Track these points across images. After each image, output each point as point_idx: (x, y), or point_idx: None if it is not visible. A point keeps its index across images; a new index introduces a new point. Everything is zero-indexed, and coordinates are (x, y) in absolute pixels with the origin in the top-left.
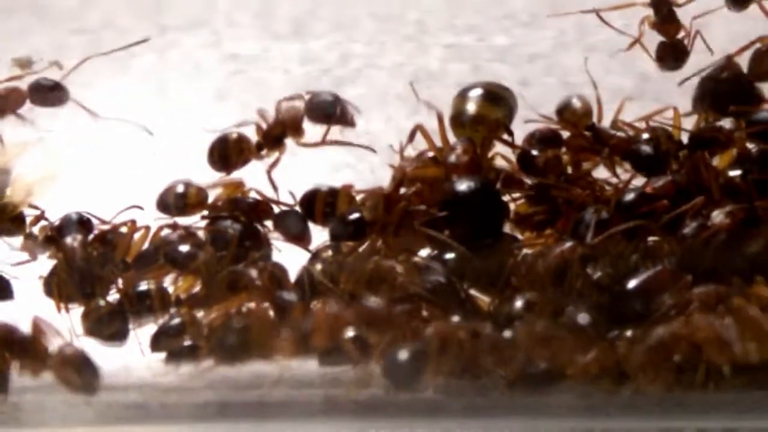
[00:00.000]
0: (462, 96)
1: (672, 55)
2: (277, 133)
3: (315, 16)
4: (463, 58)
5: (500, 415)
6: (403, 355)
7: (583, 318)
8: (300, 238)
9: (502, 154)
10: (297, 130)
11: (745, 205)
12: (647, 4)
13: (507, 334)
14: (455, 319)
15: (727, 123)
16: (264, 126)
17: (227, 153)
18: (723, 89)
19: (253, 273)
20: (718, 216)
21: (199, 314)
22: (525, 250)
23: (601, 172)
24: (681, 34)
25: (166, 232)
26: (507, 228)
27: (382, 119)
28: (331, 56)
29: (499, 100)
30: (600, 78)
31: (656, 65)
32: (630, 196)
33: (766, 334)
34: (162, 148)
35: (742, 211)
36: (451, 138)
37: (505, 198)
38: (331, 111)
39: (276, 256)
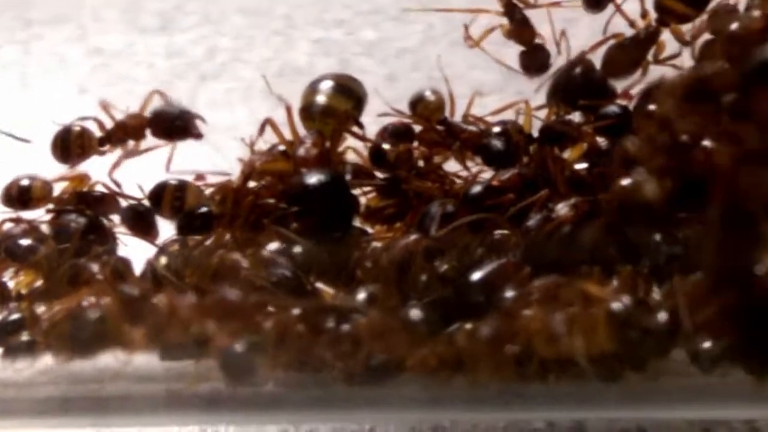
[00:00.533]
0: (312, 88)
1: (534, 61)
2: (120, 136)
3: (183, 11)
4: (331, 52)
5: (343, 407)
6: (239, 348)
7: (415, 314)
8: (147, 232)
9: (353, 148)
10: (138, 137)
11: (589, 197)
12: (500, 12)
13: (345, 327)
14: (295, 311)
15: (577, 117)
16: (108, 123)
17: (68, 146)
18: (575, 84)
19: (95, 267)
20: (562, 208)
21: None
22: (374, 244)
23: (456, 167)
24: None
25: (8, 225)
26: (358, 222)
27: (246, 113)
28: (197, 50)
29: (348, 92)
30: (464, 72)
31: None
32: (476, 189)
33: (592, 328)
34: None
35: (586, 203)
36: (303, 131)
37: (356, 191)
38: (173, 126)
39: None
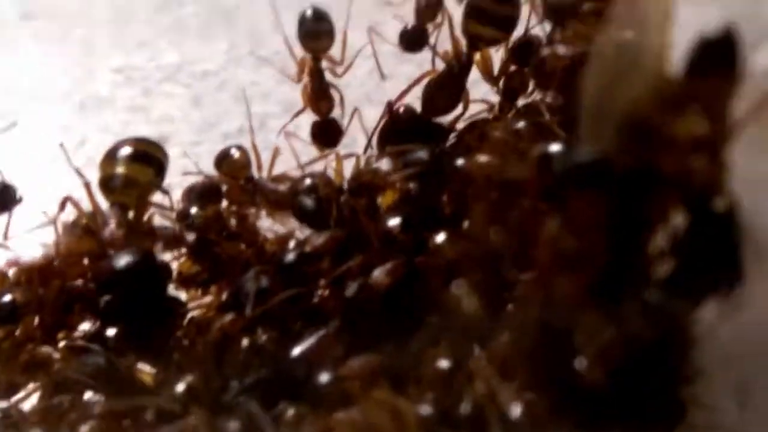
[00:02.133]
0: (109, 158)
1: (324, 134)
2: None
3: None
4: (134, 80)
5: None
6: None
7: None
8: None
9: (162, 212)
10: None
11: (404, 260)
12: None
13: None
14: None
15: (384, 164)
16: None
17: None
18: (401, 130)
19: None
20: (378, 275)
21: None
22: (191, 314)
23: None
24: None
25: None
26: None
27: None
28: None
29: (148, 159)
30: (272, 89)
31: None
32: (290, 257)
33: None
34: None
35: (401, 267)
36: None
37: (168, 257)
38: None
39: None
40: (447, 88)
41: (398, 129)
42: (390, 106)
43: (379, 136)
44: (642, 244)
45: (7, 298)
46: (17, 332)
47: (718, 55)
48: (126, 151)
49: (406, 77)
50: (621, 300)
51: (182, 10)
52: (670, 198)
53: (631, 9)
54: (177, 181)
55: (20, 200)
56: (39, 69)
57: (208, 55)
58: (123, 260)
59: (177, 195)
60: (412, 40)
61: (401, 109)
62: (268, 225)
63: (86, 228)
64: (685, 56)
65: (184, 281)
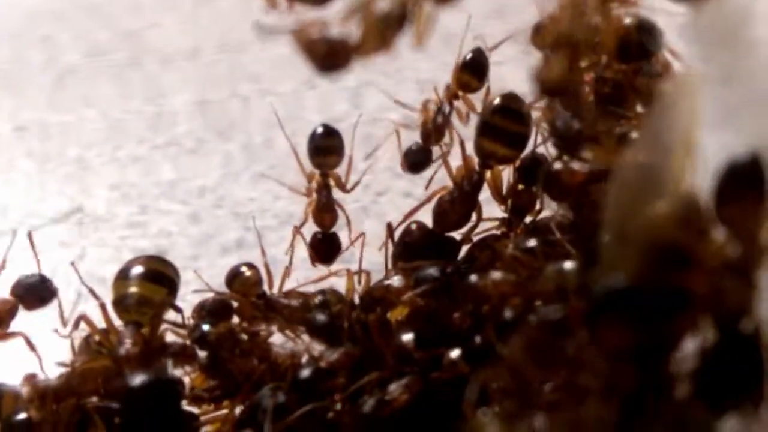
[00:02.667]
0: (122, 278)
1: (323, 251)
2: None
3: None
4: (131, 198)
5: None
6: None
7: None
8: None
9: (172, 329)
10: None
11: (420, 376)
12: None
13: None
14: None
15: (395, 281)
16: None
17: None
18: (416, 246)
19: None
20: (395, 390)
21: None
22: (204, 428)
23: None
24: None
25: None
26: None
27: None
28: None
29: (161, 278)
30: (269, 204)
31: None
32: (305, 373)
33: None
34: None
35: (418, 382)
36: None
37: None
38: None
39: None
40: (459, 204)
41: (411, 244)
42: (390, 227)
43: (393, 256)
44: (668, 365)
45: (23, 416)
46: None
47: (747, 179)
48: (138, 270)
49: (400, 192)
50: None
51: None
52: (697, 319)
53: (656, 132)
54: (180, 294)
55: (56, 292)
56: (36, 186)
57: (204, 171)
58: (138, 379)
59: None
60: (417, 160)
61: (414, 225)
62: (279, 340)
63: (100, 346)
64: (714, 180)
65: (197, 397)
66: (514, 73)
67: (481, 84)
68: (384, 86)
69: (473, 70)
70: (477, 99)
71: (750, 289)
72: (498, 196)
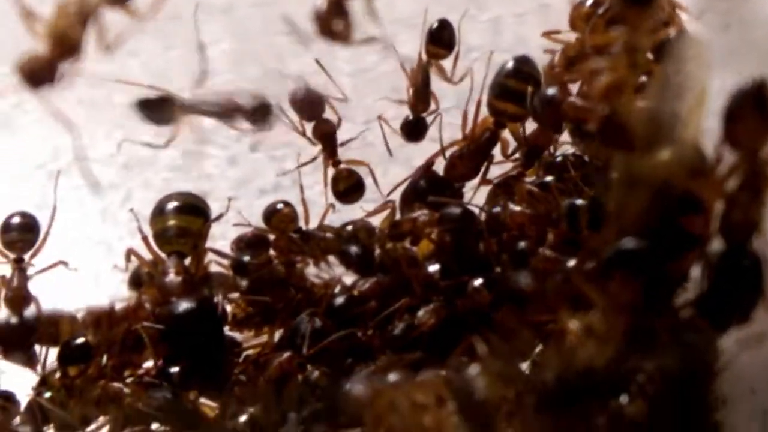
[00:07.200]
0: (159, 214)
1: (415, 131)
2: None
3: (22, 110)
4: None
5: None
6: None
7: None
8: (27, 362)
9: (215, 260)
10: None
11: (446, 302)
12: None
13: None
14: None
15: (423, 215)
16: None
17: None
18: (424, 190)
19: None
20: (423, 315)
21: None
22: (246, 352)
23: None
24: None
25: None
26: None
27: (97, 209)
28: (44, 151)
29: (196, 210)
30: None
31: None
32: (339, 301)
33: None
34: None
35: (444, 308)
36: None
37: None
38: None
39: None
40: (470, 159)
41: (421, 189)
42: (428, 164)
43: (403, 194)
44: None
45: (81, 339)
46: (89, 370)
47: (754, 101)
48: (173, 204)
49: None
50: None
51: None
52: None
53: (667, 80)
54: (220, 232)
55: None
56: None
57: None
58: (183, 305)
59: (219, 246)
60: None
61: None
62: (314, 272)
63: (148, 276)
64: (724, 106)
65: (239, 323)
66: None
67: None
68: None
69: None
70: None
71: (758, 204)
72: (518, 141)
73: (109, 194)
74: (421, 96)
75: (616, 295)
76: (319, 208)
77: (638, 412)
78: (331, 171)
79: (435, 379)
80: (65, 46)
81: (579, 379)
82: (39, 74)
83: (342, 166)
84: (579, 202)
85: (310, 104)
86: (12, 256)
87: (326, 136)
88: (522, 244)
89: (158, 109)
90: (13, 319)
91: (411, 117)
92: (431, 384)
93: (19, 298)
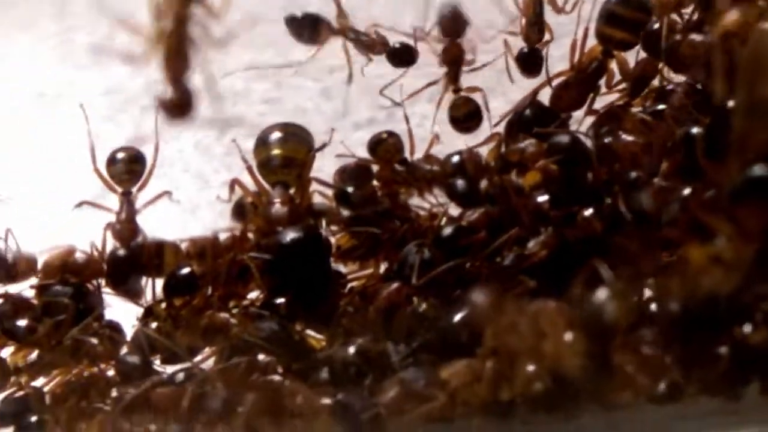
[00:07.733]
0: (262, 144)
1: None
2: None
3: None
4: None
5: None
6: None
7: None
8: (133, 293)
9: (319, 190)
10: None
11: (555, 233)
12: None
13: None
14: None
15: (530, 145)
16: None
17: None
18: (529, 119)
19: (93, 340)
20: (534, 246)
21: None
22: (351, 284)
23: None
24: None
25: None
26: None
27: (192, 141)
28: (135, 84)
29: (299, 139)
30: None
31: None
32: (447, 231)
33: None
34: None
35: (554, 238)
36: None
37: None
38: None
39: None
40: (577, 88)
41: (526, 119)
42: (533, 93)
43: (508, 125)
44: None
45: (186, 270)
46: (195, 301)
47: None
48: (277, 134)
49: None
50: None
51: None
52: None
53: None
54: (317, 165)
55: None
56: None
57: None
58: (288, 235)
59: None
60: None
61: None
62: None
63: (252, 207)
64: None
65: (343, 255)
66: None
67: None
68: None
69: None
70: None
71: None
72: (624, 74)
73: (203, 127)
74: (535, 26)
75: (745, 223)
76: (418, 141)
77: (762, 340)
78: (448, 97)
79: (559, 307)
80: None
81: (702, 307)
82: None
83: (461, 93)
84: (695, 129)
85: (454, 22)
86: (120, 189)
87: (454, 60)
88: (634, 174)
89: (308, 27)
90: (122, 251)
91: (525, 49)
92: (555, 310)
93: (129, 230)
